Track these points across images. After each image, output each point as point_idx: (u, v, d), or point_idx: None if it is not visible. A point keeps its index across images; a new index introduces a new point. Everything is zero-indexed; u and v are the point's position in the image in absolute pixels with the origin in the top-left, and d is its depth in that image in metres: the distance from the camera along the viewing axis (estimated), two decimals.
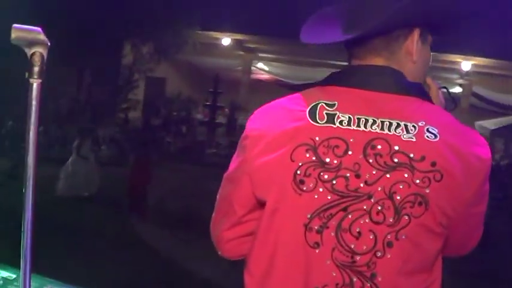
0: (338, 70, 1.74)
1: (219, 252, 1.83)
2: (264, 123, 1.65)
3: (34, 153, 1.36)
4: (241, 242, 1.74)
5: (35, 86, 1.36)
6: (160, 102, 24.41)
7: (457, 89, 28.14)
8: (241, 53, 29.32)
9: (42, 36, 1.36)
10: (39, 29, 1.36)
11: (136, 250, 8.23)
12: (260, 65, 30.42)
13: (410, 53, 1.69)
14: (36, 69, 1.35)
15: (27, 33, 1.33)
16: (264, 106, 1.73)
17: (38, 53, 1.35)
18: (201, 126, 23.56)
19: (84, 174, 11.81)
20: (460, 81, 27.66)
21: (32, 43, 1.35)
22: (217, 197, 1.80)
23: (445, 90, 1.96)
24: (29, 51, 1.36)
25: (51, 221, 6.84)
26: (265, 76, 30.20)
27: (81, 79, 18.79)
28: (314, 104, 1.62)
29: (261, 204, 1.65)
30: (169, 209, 11.12)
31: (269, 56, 30.24)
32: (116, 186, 11.85)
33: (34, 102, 1.35)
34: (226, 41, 27.52)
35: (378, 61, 1.67)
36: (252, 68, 30.07)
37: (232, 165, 1.72)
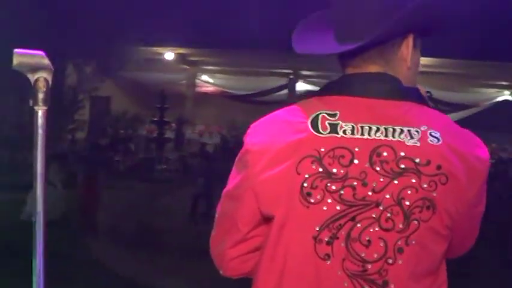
0: (334, 79, 1.73)
1: (221, 272, 1.80)
2: (265, 137, 1.63)
3: (42, 185, 1.29)
4: (245, 259, 1.72)
5: (40, 113, 1.29)
6: (106, 122, 24.14)
7: None
8: (185, 66, 29.23)
9: (46, 61, 1.29)
10: (42, 52, 1.28)
11: (92, 270, 8.13)
12: (205, 77, 30.37)
13: (405, 60, 1.70)
14: (41, 96, 1.28)
15: (31, 58, 1.26)
16: (262, 120, 1.71)
17: (43, 78, 1.28)
18: (149, 143, 23.36)
19: (52, 201, 11.56)
20: None
21: (36, 68, 1.28)
22: (216, 215, 1.77)
23: (429, 94, 1.98)
24: (32, 77, 1.29)
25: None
26: (210, 88, 30.17)
27: (23, 102, 18.44)
28: (315, 114, 1.61)
29: (266, 220, 1.63)
30: (123, 228, 11.05)
31: (213, 68, 30.27)
32: (67, 207, 11.68)
33: (40, 131, 1.29)
34: (169, 55, 27.36)
35: (374, 68, 1.68)
36: (197, 80, 30.02)
37: (233, 182, 1.69)
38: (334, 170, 1.54)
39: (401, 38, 1.68)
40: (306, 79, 28.94)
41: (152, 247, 9.61)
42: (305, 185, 1.55)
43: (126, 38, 19.38)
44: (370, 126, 1.57)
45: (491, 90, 27.80)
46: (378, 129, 1.57)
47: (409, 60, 1.70)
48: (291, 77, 28.53)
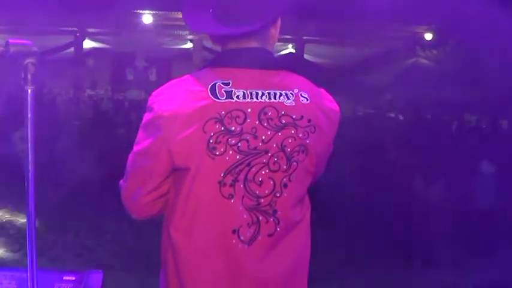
0: (221, 53, 2.10)
1: (133, 216, 2.12)
2: (173, 104, 1.94)
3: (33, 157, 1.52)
4: (155, 203, 2.06)
5: (29, 92, 1.53)
6: None
7: (189, 45, 29.18)
8: None
9: (35, 48, 1.53)
10: (30, 42, 1.53)
11: None
12: None
13: (273, 37, 2.13)
14: (30, 77, 1.51)
15: (23, 47, 1.51)
16: (163, 89, 2.02)
17: (31, 63, 1.52)
18: None
19: None
20: (191, 37, 28.64)
21: (26, 55, 1.52)
22: (131, 169, 2.06)
23: None
24: (23, 62, 1.53)
25: None
26: None
27: None
28: (212, 84, 1.96)
29: (175, 171, 1.98)
30: None
31: None
32: None
33: (30, 107, 1.52)
34: None
35: (253, 44, 2.05)
36: None
37: (146, 142, 1.98)
38: (233, 128, 1.93)
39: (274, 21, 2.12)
40: (92, 36, 28.50)
41: None
42: (211, 141, 1.91)
43: None
44: (257, 91, 1.97)
45: (278, 44, 29.03)
46: (263, 94, 1.97)
47: (276, 37, 2.14)
48: (77, 34, 27.97)
